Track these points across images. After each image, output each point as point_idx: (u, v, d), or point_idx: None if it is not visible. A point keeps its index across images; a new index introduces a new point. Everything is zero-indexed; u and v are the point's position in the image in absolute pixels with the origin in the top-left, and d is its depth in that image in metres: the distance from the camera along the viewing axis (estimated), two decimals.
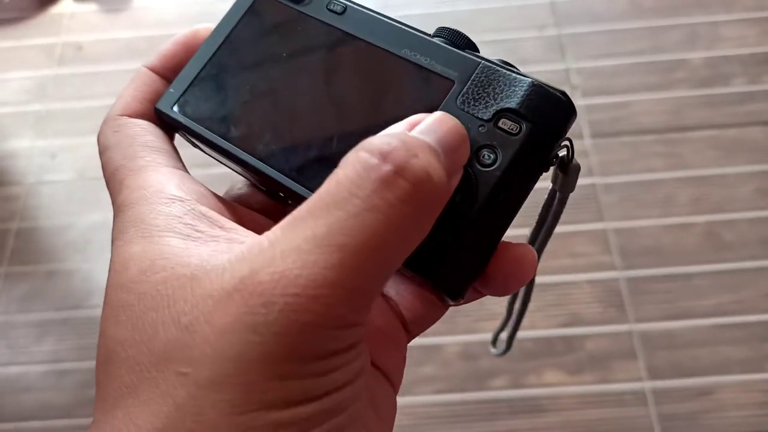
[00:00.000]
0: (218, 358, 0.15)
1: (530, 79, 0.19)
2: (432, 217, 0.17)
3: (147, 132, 0.22)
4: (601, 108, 1.04)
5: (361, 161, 0.16)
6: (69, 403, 0.87)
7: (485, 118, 0.19)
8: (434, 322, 0.23)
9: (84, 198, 1.05)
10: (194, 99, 0.23)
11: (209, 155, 0.25)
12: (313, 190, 0.19)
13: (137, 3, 1.28)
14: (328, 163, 0.20)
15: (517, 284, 0.20)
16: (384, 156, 0.16)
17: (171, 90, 0.23)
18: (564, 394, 0.81)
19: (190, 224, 0.18)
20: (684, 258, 0.89)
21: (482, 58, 0.20)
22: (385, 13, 0.22)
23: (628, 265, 0.89)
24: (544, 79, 0.20)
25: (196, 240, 0.18)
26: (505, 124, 0.19)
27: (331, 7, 0.23)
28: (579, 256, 0.90)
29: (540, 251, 0.26)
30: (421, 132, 0.17)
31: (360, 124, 0.21)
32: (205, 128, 0.22)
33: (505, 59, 0.21)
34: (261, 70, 0.23)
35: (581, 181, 0.94)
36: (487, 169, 0.19)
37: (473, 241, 0.18)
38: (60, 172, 1.08)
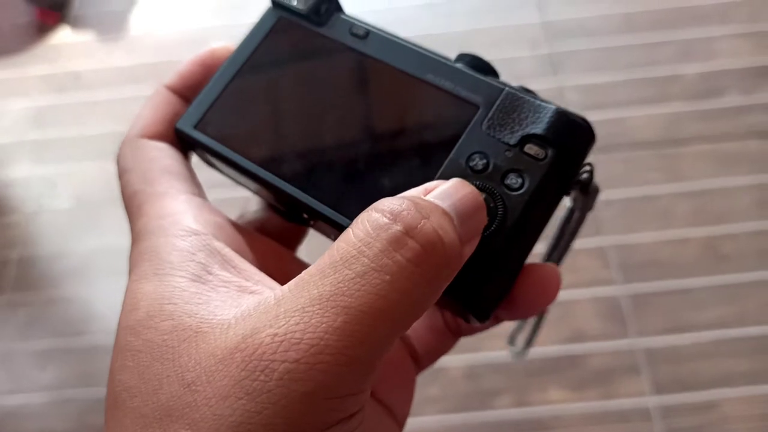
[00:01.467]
0: (217, 423, 0.15)
1: (554, 107, 0.20)
2: (442, 283, 0.16)
3: (166, 156, 0.22)
4: (596, 124, 1.03)
5: (371, 220, 0.16)
6: (71, 431, 0.86)
7: (511, 143, 0.20)
8: (445, 353, 0.23)
9: (83, 224, 1.05)
10: (216, 119, 0.23)
11: (228, 176, 0.25)
12: (335, 209, 0.20)
13: (134, 31, 1.30)
14: (351, 183, 0.21)
15: (543, 304, 0.20)
16: (395, 216, 0.16)
17: (192, 110, 0.23)
18: (568, 411, 0.81)
19: (202, 263, 0.18)
20: (684, 271, 0.89)
21: (505, 84, 0.21)
22: (405, 38, 0.23)
23: (628, 279, 0.89)
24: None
25: (207, 284, 0.17)
26: (531, 149, 0.19)
27: (354, 31, 0.23)
28: (579, 272, 0.90)
29: None
30: (435, 197, 0.17)
31: (385, 145, 0.21)
32: (229, 148, 0.22)
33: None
34: (284, 91, 0.23)
35: None
36: (515, 192, 0.19)
37: (501, 263, 0.19)
38: (60, 200, 1.08)
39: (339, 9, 0.24)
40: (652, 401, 0.80)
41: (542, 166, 0.19)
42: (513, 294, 0.19)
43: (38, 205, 1.08)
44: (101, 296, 0.98)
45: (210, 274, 0.18)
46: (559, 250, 0.25)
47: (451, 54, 0.23)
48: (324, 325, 0.14)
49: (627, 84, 1.09)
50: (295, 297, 0.15)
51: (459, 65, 0.22)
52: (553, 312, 0.87)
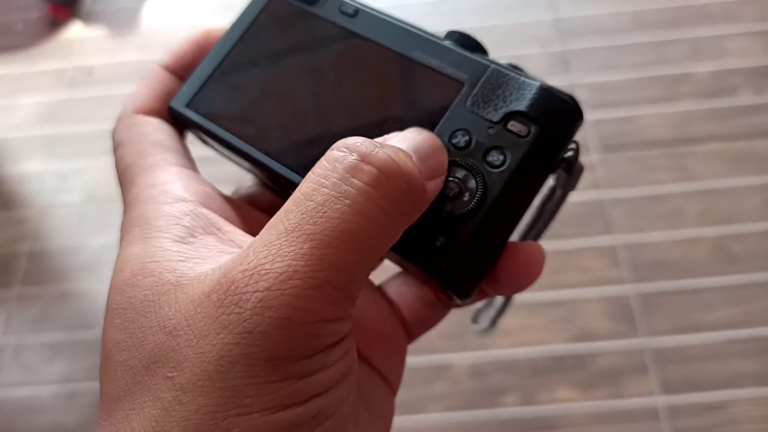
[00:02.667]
0: (199, 361, 0.15)
1: (539, 83, 0.20)
2: (406, 210, 0.17)
3: (159, 130, 0.22)
4: (606, 122, 1.04)
5: (329, 157, 0.17)
6: (81, 424, 0.87)
7: (494, 120, 0.20)
8: (436, 324, 0.23)
9: (95, 219, 1.06)
10: (208, 97, 0.23)
11: (221, 153, 0.25)
12: None
13: (145, 26, 1.30)
14: None
15: (526, 283, 0.20)
16: (350, 148, 0.16)
17: (185, 88, 0.23)
18: (575, 411, 0.81)
19: (187, 226, 0.18)
20: (693, 271, 0.89)
21: (492, 62, 0.21)
22: (395, 16, 0.23)
23: (638, 279, 0.88)
24: None
25: (190, 244, 0.18)
26: (514, 126, 0.19)
27: (344, 9, 0.23)
28: (587, 271, 0.90)
29: None
30: (392, 140, 0.18)
31: (371, 122, 0.21)
32: (219, 126, 0.23)
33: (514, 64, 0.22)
34: (275, 70, 0.23)
35: (588, 195, 0.94)
36: (496, 169, 0.19)
37: (482, 241, 0.19)
38: (71, 194, 1.09)
39: None
40: (660, 401, 0.80)
41: (524, 143, 0.19)
42: (497, 271, 0.19)
43: (49, 199, 1.08)
44: None
45: (193, 237, 0.18)
46: (537, 228, 0.24)
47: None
48: (291, 252, 0.15)
49: (637, 82, 1.08)
50: (263, 237, 0.16)
51: (447, 42, 0.22)
52: (561, 311, 0.87)
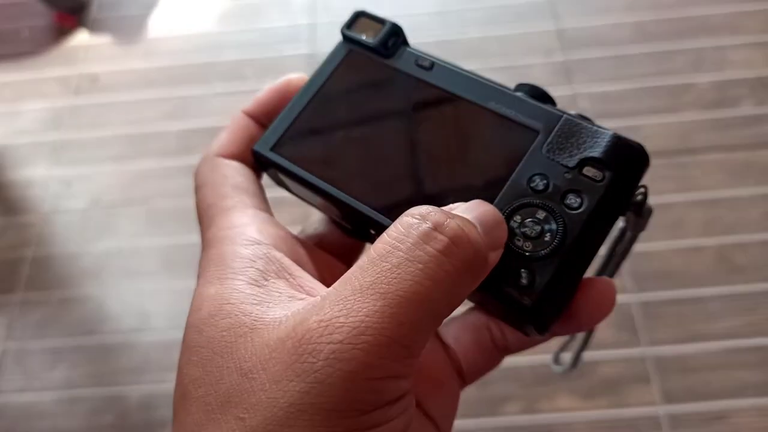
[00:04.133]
0: (270, 406, 0.16)
1: (611, 132, 0.21)
2: (471, 276, 0.18)
3: (239, 173, 0.24)
4: None
5: (403, 222, 0.18)
6: (81, 430, 0.87)
7: (570, 165, 0.21)
8: (490, 371, 0.24)
9: (98, 226, 1.06)
10: (291, 143, 0.24)
11: (297, 195, 0.26)
12: None
13: (151, 34, 1.31)
14: (416, 200, 0.22)
15: (600, 317, 0.21)
16: (423, 217, 0.18)
17: (268, 134, 0.25)
18: (577, 419, 0.80)
19: (260, 270, 0.19)
20: (696, 281, 0.89)
21: (563, 112, 0.22)
22: (467, 69, 0.24)
23: (640, 288, 0.88)
24: None
25: (263, 287, 0.19)
26: (589, 171, 0.21)
27: (420, 63, 0.24)
28: None
29: None
30: (458, 209, 0.19)
31: (450, 168, 0.22)
32: (303, 168, 0.24)
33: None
34: (355, 118, 0.24)
35: None
36: (575, 211, 0.20)
37: (563, 278, 0.20)
38: (75, 200, 1.09)
39: (405, 43, 0.25)
40: (661, 411, 0.80)
41: (600, 187, 0.20)
42: (571, 307, 0.20)
43: (53, 205, 1.09)
44: (114, 297, 0.98)
45: (266, 280, 0.19)
46: (610, 267, 0.26)
47: (510, 84, 0.24)
48: (365, 309, 0.16)
49: (640, 93, 1.09)
50: (338, 291, 0.17)
51: (519, 93, 0.23)
52: None
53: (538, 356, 0.84)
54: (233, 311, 0.18)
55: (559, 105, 0.23)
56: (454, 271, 0.17)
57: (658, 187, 0.98)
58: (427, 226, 0.17)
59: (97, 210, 1.08)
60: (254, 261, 0.20)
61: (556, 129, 0.22)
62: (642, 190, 0.21)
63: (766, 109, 1.05)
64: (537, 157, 0.21)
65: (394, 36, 0.25)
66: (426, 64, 0.24)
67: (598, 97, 1.09)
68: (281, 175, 0.25)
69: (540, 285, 0.19)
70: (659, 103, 1.07)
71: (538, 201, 0.20)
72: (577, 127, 0.21)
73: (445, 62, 0.24)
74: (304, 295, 0.19)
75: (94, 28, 1.33)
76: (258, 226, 0.21)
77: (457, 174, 0.22)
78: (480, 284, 0.19)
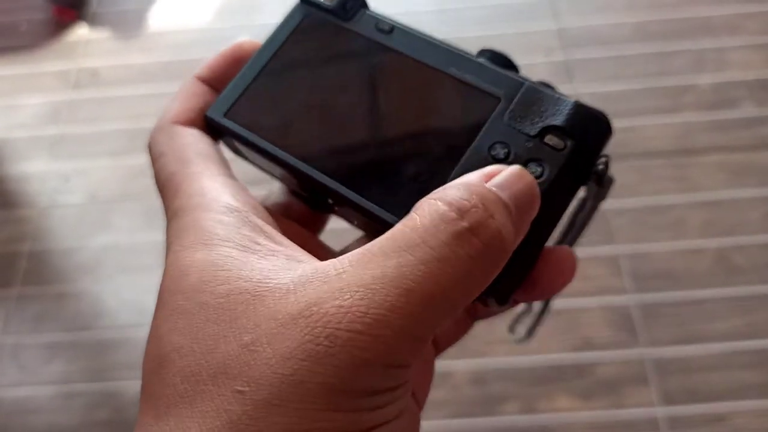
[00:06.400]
0: (278, 382, 0.15)
1: (573, 100, 0.21)
2: (495, 272, 0.17)
3: (199, 140, 0.23)
4: None
5: (439, 213, 0.17)
6: (77, 426, 0.87)
7: (532, 134, 0.20)
8: (461, 338, 0.24)
9: (96, 220, 1.05)
10: (245, 108, 0.24)
11: (254, 163, 0.26)
12: (360, 193, 0.21)
13: (151, 29, 1.31)
14: (377, 169, 0.22)
15: (561, 285, 0.20)
16: (462, 213, 0.17)
17: (221, 99, 0.24)
18: (575, 420, 0.80)
19: (248, 236, 0.18)
20: (695, 282, 0.89)
21: (525, 79, 0.22)
22: (428, 34, 0.23)
23: (639, 288, 0.88)
24: None
25: (255, 253, 0.18)
26: (551, 140, 0.20)
27: (380, 27, 0.24)
28: (589, 280, 0.90)
29: None
30: (498, 186, 0.18)
31: (409, 134, 0.22)
32: (258, 136, 0.23)
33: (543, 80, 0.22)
34: (312, 82, 0.24)
35: None
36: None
37: (520, 249, 0.19)
38: (73, 195, 1.09)
39: (364, 5, 0.25)
40: (660, 412, 0.80)
41: (562, 156, 0.20)
42: (532, 276, 0.20)
43: (51, 200, 1.08)
44: (111, 292, 0.98)
45: (257, 244, 0.18)
46: (570, 237, 0.25)
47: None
48: (388, 303, 0.16)
49: (640, 93, 1.09)
50: (359, 273, 0.16)
51: (481, 59, 0.23)
52: (562, 319, 0.87)
53: (537, 356, 0.84)
54: (230, 277, 0.17)
55: None
56: (480, 272, 0.17)
57: (658, 188, 0.98)
58: (464, 226, 0.16)
59: (95, 205, 1.07)
60: (239, 228, 0.19)
61: (517, 96, 0.21)
62: (604, 159, 0.21)
63: (766, 110, 1.05)
64: (498, 124, 0.21)
65: None
66: (386, 27, 0.24)
67: (599, 97, 1.09)
68: (236, 143, 0.24)
69: None
70: (659, 104, 1.07)
71: None
72: (539, 95, 0.21)
73: (405, 26, 0.24)
74: (301, 257, 0.18)
75: (94, 22, 1.33)
76: (231, 193, 0.20)
77: (416, 141, 0.21)
78: None
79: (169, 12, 1.33)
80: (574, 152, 0.20)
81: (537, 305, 0.27)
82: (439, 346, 0.24)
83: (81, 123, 1.18)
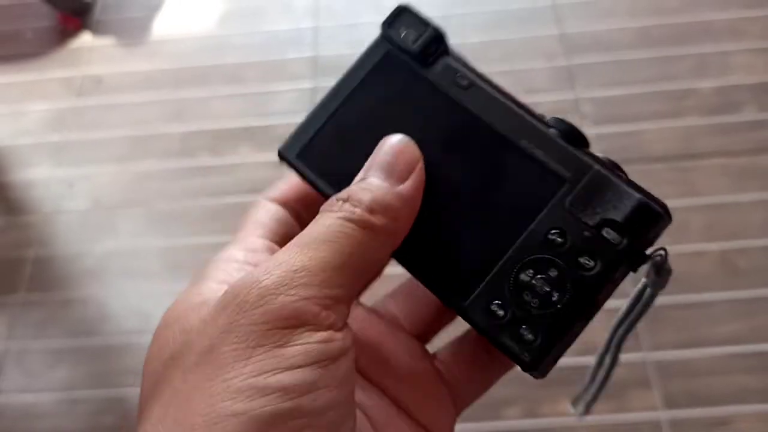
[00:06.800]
0: (201, 343, 0.18)
1: (638, 195, 0.21)
2: (387, 236, 0.20)
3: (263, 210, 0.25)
4: (611, 136, 1.04)
5: (327, 203, 0.21)
6: (82, 431, 0.87)
7: (591, 224, 0.21)
8: (489, 386, 0.26)
9: (100, 226, 1.06)
10: (316, 151, 0.24)
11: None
12: (414, 270, 0.22)
13: (155, 36, 1.32)
14: (433, 242, 0.22)
15: None
16: (344, 198, 0.20)
17: (296, 134, 0.25)
18: (578, 424, 0.80)
19: (232, 275, 0.21)
20: (698, 285, 0.88)
21: (595, 160, 0.21)
22: (505, 91, 0.23)
23: None
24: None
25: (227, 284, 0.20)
26: (608, 233, 0.20)
27: (458, 81, 0.23)
28: None
29: (621, 341, 0.27)
30: (366, 170, 0.21)
31: (470, 203, 0.22)
32: (325, 182, 0.24)
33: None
34: (381, 134, 0.23)
35: None
36: (587, 273, 0.20)
37: (562, 337, 0.20)
38: (77, 201, 1.09)
39: (447, 52, 0.24)
40: (663, 416, 0.79)
41: (616, 252, 0.20)
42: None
43: (55, 205, 1.09)
44: (115, 297, 0.98)
45: (232, 277, 0.21)
46: (626, 325, 0.26)
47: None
48: (297, 264, 0.18)
49: (642, 97, 1.09)
50: (276, 253, 0.19)
51: (552, 131, 0.22)
52: None
53: None
54: (188, 297, 0.20)
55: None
56: (368, 238, 0.20)
57: (660, 192, 0.96)
58: (342, 203, 0.20)
59: (99, 211, 1.08)
60: (229, 273, 0.21)
61: (583, 181, 0.21)
62: (662, 251, 0.21)
63: None
64: (559, 210, 0.21)
65: (436, 43, 0.24)
66: (464, 83, 0.23)
67: (601, 102, 1.09)
68: (304, 180, 0.25)
69: (540, 344, 0.20)
70: (662, 108, 1.07)
71: (554, 257, 0.21)
72: (604, 183, 0.21)
73: (484, 81, 0.23)
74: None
75: (98, 29, 1.34)
76: (245, 252, 0.23)
77: (475, 212, 0.22)
78: (482, 332, 0.21)
79: (173, 19, 1.34)
80: (630, 248, 0.20)
81: (595, 385, 0.28)
82: (463, 397, 0.25)
83: (85, 129, 1.18)
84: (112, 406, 0.89)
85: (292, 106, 1.15)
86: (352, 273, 0.19)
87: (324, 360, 0.18)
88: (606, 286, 0.20)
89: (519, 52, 1.17)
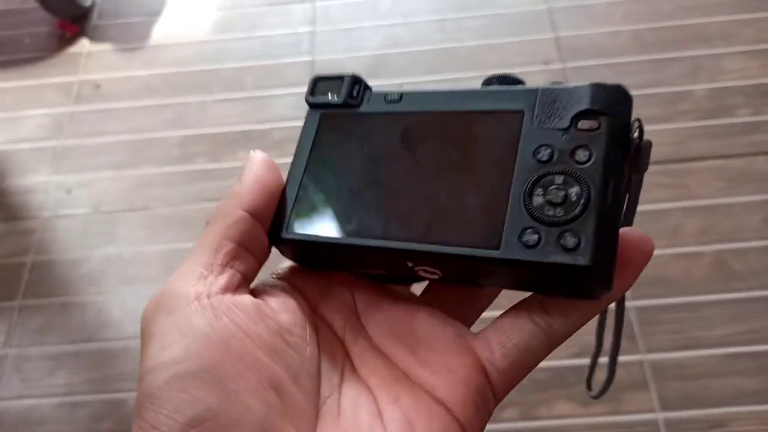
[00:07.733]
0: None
1: (588, 83, 0.22)
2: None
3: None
4: None
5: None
6: None
7: (564, 126, 0.21)
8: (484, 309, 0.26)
9: (98, 232, 1.06)
10: (302, 218, 0.25)
11: (325, 264, 0.26)
12: (441, 244, 0.22)
13: (153, 42, 1.32)
14: (444, 217, 0.22)
15: (645, 261, 0.21)
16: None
17: (277, 218, 0.25)
18: (575, 426, 0.81)
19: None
20: (693, 288, 0.89)
21: (537, 86, 0.23)
22: (433, 88, 0.25)
23: (638, 295, 0.89)
24: None
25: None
26: (584, 124, 0.21)
27: (390, 99, 0.25)
28: None
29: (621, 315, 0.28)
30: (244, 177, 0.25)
31: (459, 177, 0.23)
32: (323, 235, 0.24)
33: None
34: (352, 171, 0.25)
35: None
36: (587, 164, 0.21)
37: (603, 227, 0.20)
38: (75, 207, 1.10)
39: (368, 87, 0.26)
40: (660, 417, 0.80)
41: (600, 134, 0.21)
42: (618, 258, 0.21)
43: (53, 211, 1.09)
44: (114, 303, 0.99)
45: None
46: (627, 216, 0.25)
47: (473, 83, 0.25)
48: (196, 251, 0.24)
49: (637, 101, 1.07)
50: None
51: (490, 87, 0.24)
52: None
53: None
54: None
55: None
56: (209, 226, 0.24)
57: (655, 195, 0.98)
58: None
59: (98, 216, 1.08)
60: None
61: (537, 102, 0.22)
62: (636, 123, 0.22)
63: (762, 117, 1.05)
64: (532, 132, 0.22)
65: (356, 85, 0.26)
66: (395, 97, 0.25)
67: None
68: (306, 251, 0.25)
69: (588, 241, 0.20)
70: (656, 112, 1.08)
71: (551, 169, 0.21)
72: (556, 93, 0.22)
73: (410, 90, 0.25)
74: None
75: (96, 35, 1.34)
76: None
77: (467, 179, 0.23)
78: (530, 266, 0.20)
79: (170, 25, 1.34)
80: (611, 126, 0.21)
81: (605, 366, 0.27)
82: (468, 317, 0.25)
83: (83, 135, 1.19)
84: (111, 411, 0.89)
85: (290, 111, 1.15)
86: None
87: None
88: (611, 168, 0.21)
89: (514, 56, 1.18)
